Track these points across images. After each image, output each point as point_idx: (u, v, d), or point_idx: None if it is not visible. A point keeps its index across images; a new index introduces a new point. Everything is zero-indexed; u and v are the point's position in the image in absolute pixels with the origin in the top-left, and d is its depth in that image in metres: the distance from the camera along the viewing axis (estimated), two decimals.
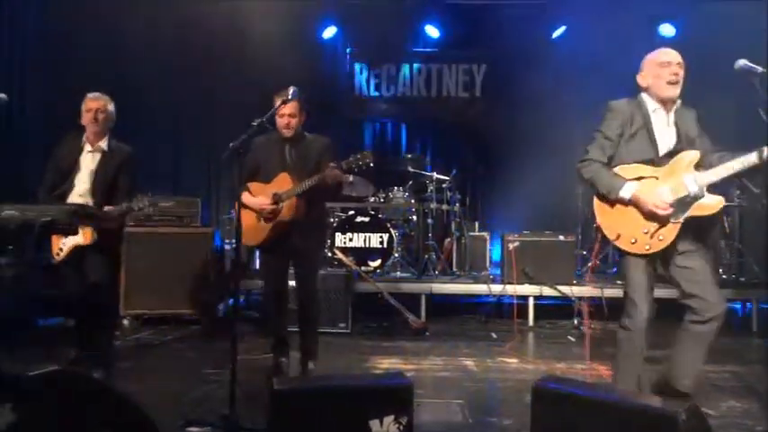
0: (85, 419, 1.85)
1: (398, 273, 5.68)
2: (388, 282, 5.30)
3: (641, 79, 2.79)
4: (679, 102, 2.76)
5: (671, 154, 2.69)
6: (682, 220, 2.60)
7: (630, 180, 2.66)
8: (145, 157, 6.45)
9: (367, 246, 5.60)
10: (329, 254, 5.46)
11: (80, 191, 3.50)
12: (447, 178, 6.24)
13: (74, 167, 3.51)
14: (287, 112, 3.34)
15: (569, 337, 4.76)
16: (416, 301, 5.19)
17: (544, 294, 5.17)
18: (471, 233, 6.19)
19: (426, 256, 5.91)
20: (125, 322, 4.84)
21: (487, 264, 5.97)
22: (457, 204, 6.31)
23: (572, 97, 6.75)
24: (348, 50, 7.90)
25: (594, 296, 5.13)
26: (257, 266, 5.64)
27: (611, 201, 2.71)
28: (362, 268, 5.23)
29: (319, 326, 3.65)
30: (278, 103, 3.17)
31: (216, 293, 5.11)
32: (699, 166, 2.64)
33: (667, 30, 7.25)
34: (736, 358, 3.98)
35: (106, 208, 3.39)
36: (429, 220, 6.03)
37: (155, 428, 1.86)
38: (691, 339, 2.67)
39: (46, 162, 3.62)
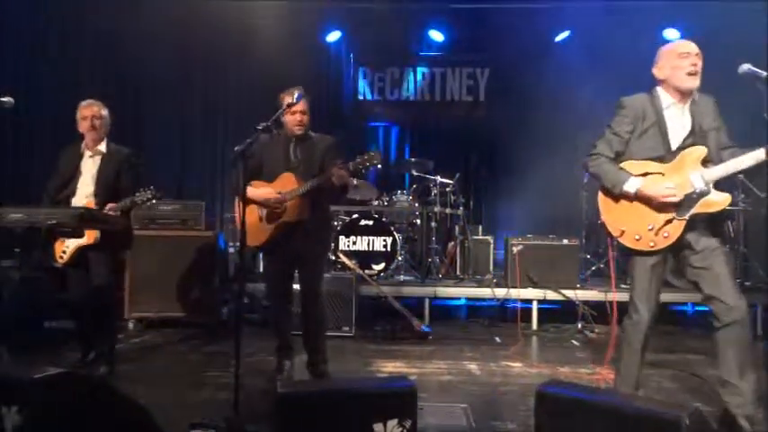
0: (90, 422, 1.85)
1: (402, 276, 5.68)
2: (392, 285, 5.30)
3: (658, 71, 2.74)
4: (696, 93, 2.70)
5: (680, 149, 2.66)
6: (687, 216, 2.58)
7: (636, 176, 2.65)
8: (149, 161, 6.55)
9: (371, 249, 5.60)
10: (333, 257, 5.46)
11: (83, 195, 3.54)
12: (451, 182, 6.25)
13: (75, 173, 3.57)
14: (299, 109, 3.29)
15: (573, 341, 4.75)
16: (420, 304, 5.18)
17: (548, 298, 5.16)
18: (475, 237, 6.19)
19: (430, 260, 5.91)
20: (129, 325, 4.86)
21: (491, 267, 5.97)
22: (461, 208, 6.30)
23: (576, 101, 6.76)
24: (352, 54, 7.92)
25: (599, 300, 5.12)
26: (261, 269, 5.66)
27: (617, 196, 2.69)
28: (366, 272, 5.23)
29: (326, 329, 3.58)
30: (287, 101, 3.15)
31: (219, 296, 5.12)
32: (707, 161, 2.61)
33: (672, 34, 7.25)
34: None
35: (109, 205, 3.42)
36: (433, 224, 6.04)
37: (159, 431, 1.86)
38: (726, 350, 2.59)
39: (52, 166, 3.69)
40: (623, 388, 2.76)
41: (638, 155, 2.71)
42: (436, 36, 7.78)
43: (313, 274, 3.43)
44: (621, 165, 2.71)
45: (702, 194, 2.56)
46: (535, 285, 5.17)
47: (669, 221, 2.61)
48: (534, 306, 5.17)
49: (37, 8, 6.44)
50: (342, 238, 5.59)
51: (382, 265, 5.56)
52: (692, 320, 5.40)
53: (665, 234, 2.60)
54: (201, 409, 2.94)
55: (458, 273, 6.04)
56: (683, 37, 7.15)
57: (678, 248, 2.68)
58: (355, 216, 5.73)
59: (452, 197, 6.29)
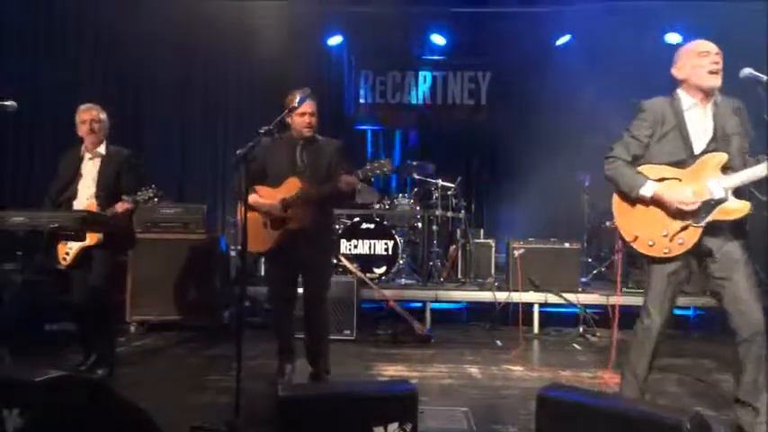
0: (91, 425, 1.86)
1: (403, 280, 5.68)
2: (394, 289, 5.30)
3: (677, 71, 2.70)
4: (718, 95, 2.66)
5: (704, 153, 2.60)
6: (704, 224, 2.53)
7: (646, 166, 2.61)
8: (149, 163, 6.56)
9: (372, 253, 5.60)
10: (334, 261, 5.46)
11: (85, 197, 3.56)
12: (452, 185, 6.25)
13: (75, 176, 3.59)
14: (308, 111, 3.24)
15: (574, 344, 4.74)
16: (421, 308, 5.18)
17: (549, 302, 5.15)
18: (476, 240, 6.18)
19: (431, 264, 5.91)
20: (131, 328, 4.86)
21: (492, 271, 5.96)
22: (462, 211, 6.30)
23: (577, 105, 6.76)
24: (353, 58, 7.94)
25: (601, 304, 5.12)
26: (262, 273, 5.67)
27: (632, 200, 2.64)
28: (367, 275, 5.23)
29: (329, 335, 3.53)
30: (295, 102, 3.13)
31: (220, 299, 5.12)
32: (728, 167, 2.55)
33: (673, 38, 7.25)
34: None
35: (118, 205, 3.44)
36: (434, 227, 6.04)
37: None
38: (745, 365, 2.54)
39: (52, 168, 3.72)
40: (628, 392, 2.73)
41: (657, 159, 2.65)
42: (438, 40, 7.79)
43: (317, 280, 3.37)
44: (639, 169, 2.67)
45: (720, 201, 2.51)
46: (537, 289, 5.16)
47: (685, 228, 2.55)
48: (536, 309, 5.16)
49: (36, 8, 6.47)
50: (343, 241, 5.59)
51: (383, 269, 5.56)
52: (693, 324, 5.40)
53: (680, 241, 2.55)
54: (202, 412, 2.94)
55: (459, 276, 6.04)
56: (684, 40, 7.17)
57: (700, 256, 2.63)
58: (357, 219, 5.74)
59: (454, 200, 6.29)
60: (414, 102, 8.00)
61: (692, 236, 2.56)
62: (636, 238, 2.64)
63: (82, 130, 3.61)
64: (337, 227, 5.67)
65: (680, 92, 2.71)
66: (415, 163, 6.51)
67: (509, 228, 6.89)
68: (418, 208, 6.15)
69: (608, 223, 5.65)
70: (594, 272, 6.07)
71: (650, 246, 2.61)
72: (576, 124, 6.64)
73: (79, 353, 3.69)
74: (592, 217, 6.45)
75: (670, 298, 2.66)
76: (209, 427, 2.62)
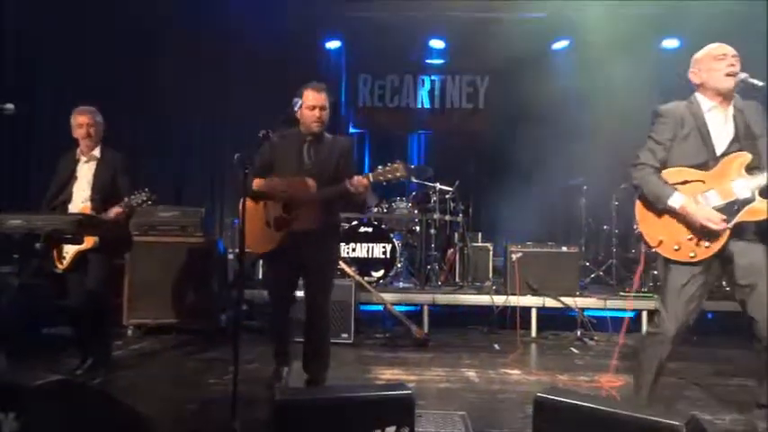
0: (88, 429, 1.85)
1: (401, 283, 5.68)
2: (391, 292, 5.30)
3: (694, 76, 2.70)
4: (737, 96, 2.65)
5: (726, 155, 2.57)
6: (730, 225, 2.49)
7: (676, 184, 2.57)
8: (148, 168, 6.56)
9: (370, 256, 5.60)
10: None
11: (80, 200, 3.56)
12: (450, 189, 6.26)
13: (70, 179, 3.59)
14: (318, 105, 3.11)
15: (572, 348, 4.75)
16: (419, 311, 5.18)
17: (547, 305, 5.15)
18: (474, 244, 6.19)
19: (429, 267, 5.92)
20: (128, 331, 4.85)
21: (490, 274, 5.97)
22: (460, 215, 6.31)
23: (575, 108, 6.79)
24: (352, 62, 7.96)
25: (598, 308, 5.13)
26: (260, 276, 5.66)
27: (652, 207, 2.61)
28: (365, 279, 5.23)
29: (329, 340, 3.39)
30: (307, 96, 3.07)
31: (218, 303, 5.12)
32: (754, 168, 2.52)
33: (671, 42, 7.29)
34: (743, 370, 3.95)
35: (113, 210, 3.44)
36: (432, 231, 6.04)
37: None
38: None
39: (50, 170, 3.71)
40: (637, 396, 2.72)
41: (679, 161, 2.63)
42: (436, 44, 7.81)
43: (320, 284, 3.25)
44: (664, 171, 2.63)
45: (747, 202, 2.47)
46: (534, 293, 5.16)
47: (710, 231, 2.51)
48: (533, 313, 5.17)
49: (34, 8, 6.46)
50: (341, 244, 5.60)
51: (381, 272, 5.56)
52: (690, 328, 5.39)
53: (707, 245, 2.51)
54: (199, 416, 2.93)
55: (457, 280, 6.04)
56: (681, 45, 7.21)
57: (723, 262, 2.60)
58: (355, 223, 5.74)
59: (452, 204, 6.30)
60: (412, 105, 8.02)
61: (718, 239, 2.51)
62: (660, 243, 2.59)
63: (78, 134, 3.61)
64: None
65: (698, 95, 2.70)
66: (413, 166, 6.51)
67: (507, 231, 6.90)
68: (416, 211, 6.16)
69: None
70: (592, 275, 6.08)
71: (676, 250, 2.55)
72: (573, 128, 6.66)
73: (76, 356, 3.68)
74: (589, 221, 6.47)
75: (689, 302, 2.59)
76: (206, 429, 2.62)
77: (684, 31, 6.95)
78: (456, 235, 6.30)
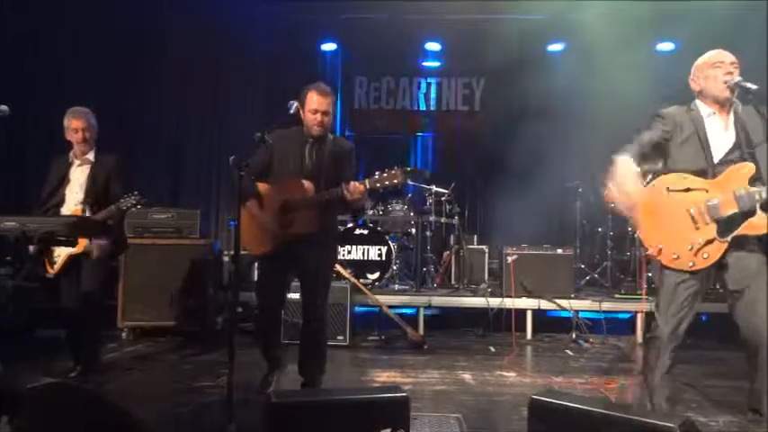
0: None
1: (397, 285, 5.68)
2: (387, 294, 5.30)
3: (693, 83, 2.71)
4: (738, 103, 2.64)
5: (726, 162, 2.57)
6: (729, 238, 2.49)
7: (678, 190, 2.56)
8: (144, 170, 6.55)
9: (366, 258, 5.61)
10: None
11: (72, 203, 3.53)
12: (446, 191, 6.27)
13: (63, 182, 3.56)
14: (321, 109, 3.04)
15: (567, 350, 4.75)
16: (415, 313, 5.18)
17: (542, 308, 5.16)
18: (470, 246, 6.20)
19: (425, 269, 5.92)
20: (122, 334, 4.83)
21: (486, 277, 5.98)
22: (456, 217, 6.33)
23: (570, 111, 6.81)
24: (348, 64, 7.97)
25: (593, 310, 5.14)
26: (256, 278, 5.65)
27: (658, 212, 2.60)
28: (361, 281, 5.23)
29: (326, 344, 3.34)
30: (310, 98, 3.01)
31: (214, 305, 5.11)
32: (756, 179, 2.50)
33: (666, 45, 7.32)
34: (736, 372, 3.97)
35: (98, 215, 3.42)
36: (428, 233, 6.05)
37: None
38: (760, 376, 2.54)
39: (45, 175, 3.67)
40: (649, 397, 2.72)
41: (679, 164, 2.63)
42: (432, 46, 7.83)
43: (316, 287, 3.20)
44: (666, 176, 2.63)
45: (748, 215, 2.47)
46: (530, 295, 5.17)
47: (710, 242, 2.51)
48: (529, 315, 5.18)
49: (32, 8, 6.44)
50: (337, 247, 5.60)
51: (377, 275, 5.56)
52: (686, 331, 5.41)
53: (705, 255, 2.51)
54: (195, 419, 2.92)
55: (452, 282, 6.05)
56: (676, 48, 7.24)
57: (718, 268, 2.61)
58: (350, 225, 5.74)
59: (448, 206, 6.32)
60: (408, 107, 8.03)
61: (717, 250, 2.52)
62: (660, 251, 2.58)
63: (73, 138, 3.58)
64: None
65: (697, 102, 2.71)
66: (408, 168, 6.51)
67: (502, 233, 6.91)
68: (412, 214, 6.16)
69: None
70: (587, 278, 6.09)
71: (675, 259, 2.55)
72: (569, 130, 6.68)
73: (69, 360, 3.66)
74: (584, 223, 6.49)
75: (683, 308, 2.60)
76: None
77: (680, 35, 6.99)
78: (452, 237, 6.31)
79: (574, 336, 5.00)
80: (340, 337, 4.63)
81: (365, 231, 5.68)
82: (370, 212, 6.15)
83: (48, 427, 1.79)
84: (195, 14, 6.74)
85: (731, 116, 2.64)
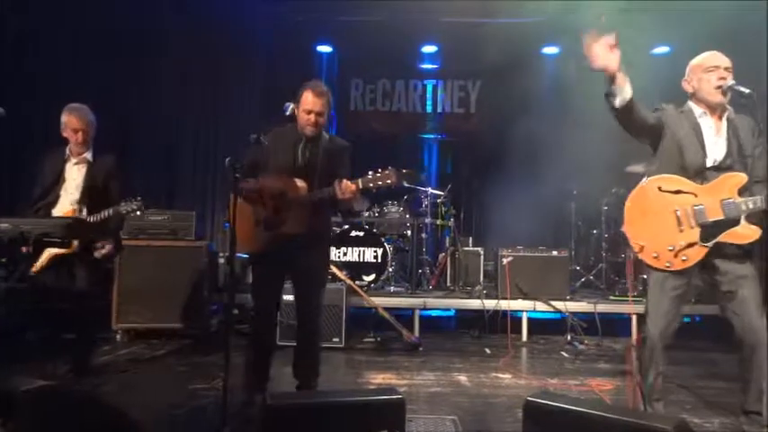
0: None
1: (392, 287, 5.68)
2: (382, 296, 5.30)
3: (686, 85, 2.72)
4: (731, 110, 2.66)
5: (718, 168, 2.59)
6: (710, 244, 2.52)
7: (669, 191, 2.58)
8: (139, 171, 6.52)
9: (361, 260, 5.60)
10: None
11: (67, 202, 3.46)
12: (442, 193, 6.28)
13: (58, 181, 3.48)
14: (314, 110, 3.01)
15: (562, 352, 4.77)
16: (410, 315, 5.19)
17: (538, 309, 5.18)
18: (465, 248, 6.21)
19: (420, 271, 5.93)
20: (117, 336, 4.81)
21: (481, 278, 5.99)
22: (451, 219, 6.33)
23: (565, 113, 6.83)
24: (344, 66, 7.97)
25: (588, 311, 5.16)
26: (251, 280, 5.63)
27: (645, 210, 2.62)
28: (356, 283, 5.23)
29: (320, 346, 3.31)
30: (305, 97, 2.98)
31: (209, 307, 5.09)
32: (744, 189, 2.54)
33: (661, 49, 7.35)
34: (730, 374, 3.98)
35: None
36: (423, 235, 6.06)
37: None
38: (750, 375, 2.57)
39: (36, 171, 3.58)
40: (644, 399, 2.74)
41: (671, 162, 2.64)
42: (428, 48, 7.84)
43: (309, 289, 3.17)
44: (661, 176, 2.64)
45: (732, 224, 2.50)
46: (525, 296, 5.19)
47: (691, 245, 2.55)
48: (524, 317, 5.19)
49: (32, 8, 6.42)
50: (332, 248, 5.59)
51: (373, 276, 5.56)
52: (676, 331, 5.44)
53: (684, 257, 2.55)
54: (189, 421, 2.92)
55: (448, 284, 6.05)
56: (671, 50, 7.27)
57: (706, 273, 2.64)
58: (346, 227, 5.75)
59: (443, 208, 6.32)
60: (403, 109, 8.04)
61: (696, 254, 2.55)
62: (642, 249, 2.62)
63: (71, 137, 3.49)
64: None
65: (690, 103, 2.72)
66: (404, 170, 6.52)
67: (498, 235, 6.92)
68: (408, 216, 6.17)
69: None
70: (582, 279, 6.11)
71: (654, 258, 2.60)
72: (564, 133, 6.69)
73: (63, 362, 3.64)
74: (579, 225, 6.51)
75: (668, 311, 2.62)
76: None
77: (675, 39, 7.02)
78: (447, 239, 6.32)
79: (569, 337, 5.01)
80: (335, 339, 4.63)
81: (361, 233, 5.68)
82: (366, 214, 6.15)
83: (42, 430, 1.78)
84: (191, 16, 6.73)
85: (724, 122, 2.65)
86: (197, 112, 7.41)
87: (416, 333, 5.02)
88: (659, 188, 2.64)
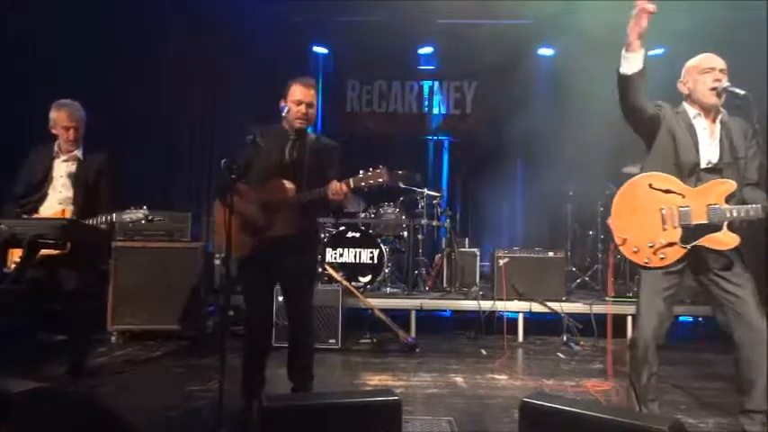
0: None
1: (388, 288, 5.68)
2: (379, 298, 5.30)
3: (682, 86, 2.74)
4: (725, 113, 2.68)
5: (712, 170, 2.62)
6: (689, 247, 2.56)
7: (660, 189, 2.60)
8: (136, 171, 6.50)
9: (357, 261, 5.60)
10: (320, 269, 5.45)
11: (56, 201, 3.39)
12: (437, 194, 6.28)
13: (46, 178, 3.40)
14: (305, 100, 2.96)
15: (558, 353, 4.77)
16: (406, 316, 5.19)
17: (534, 310, 5.18)
18: (461, 249, 6.22)
19: (416, 272, 5.93)
20: (112, 338, 4.80)
21: (477, 280, 5.99)
22: (447, 220, 6.34)
23: (561, 114, 6.85)
24: (340, 67, 7.98)
25: (584, 312, 5.17)
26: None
27: (633, 204, 2.64)
28: (352, 284, 5.22)
29: (313, 348, 3.30)
30: (293, 90, 2.95)
31: (205, 308, 5.08)
32: (731, 197, 2.57)
33: (655, 51, 7.37)
34: (725, 374, 4.00)
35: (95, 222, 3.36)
36: (419, 236, 6.06)
37: None
38: (747, 374, 2.60)
39: (23, 167, 3.49)
40: (634, 399, 2.75)
41: (665, 159, 2.66)
42: (424, 50, 7.86)
43: (298, 292, 3.13)
44: (654, 173, 2.67)
45: (713, 229, 2.53)
46: (521, 298, 5.19)
47: (671, 245, 2.58)
48: (520, 318, 5.19)
49: (32, 8, 6.39)
50: (328, 250, 5.59)
51: (369, 278, 5.56)
52: (670, 332, 5.45)
53: (662, 256, 2.58)
54: (185, 423, 2.91)
55: (444, 285, 6.06)
56: (665, 51, 7.29)
57: (703, 275, 2.67)
58: (342, 228, 5.74)
59: (439, 209, 6.33)
60: (400, 110, 8.05)
61: (674, 254, 2.59)
62: (624, 242, 2.66)
63: (62, 135, 3.42)
64: (322, 235, 5.66)
65: (685, 105, 2.74)
66: (400, 172, 6.53)
67: (494, 236, 6.94)
68: (404, 217, 6.17)
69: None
70: (578, 281, 6.12)
71: (634, 252, 2.63)
72: (560, 134, 6.72)
73: (59, 363, 3.63)
74: (575, 226, 6.53)
75: (660, 311, 2.65)
76: None
77: (668, 40, 7.05)
78: (443, 240, 6.32)
79: (565, 338, 5.02)
80: (331, 341, 4.62)
81: (357, 234, 5.68)
82: (362, 216, 6.15)
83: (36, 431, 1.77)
84: (188, 16, 6.72)
85: (717, 124, 2.67)
86: (194, 112, 7.40)
87: (413, 334, 5.02)
88: (650, 185, 2.66)
